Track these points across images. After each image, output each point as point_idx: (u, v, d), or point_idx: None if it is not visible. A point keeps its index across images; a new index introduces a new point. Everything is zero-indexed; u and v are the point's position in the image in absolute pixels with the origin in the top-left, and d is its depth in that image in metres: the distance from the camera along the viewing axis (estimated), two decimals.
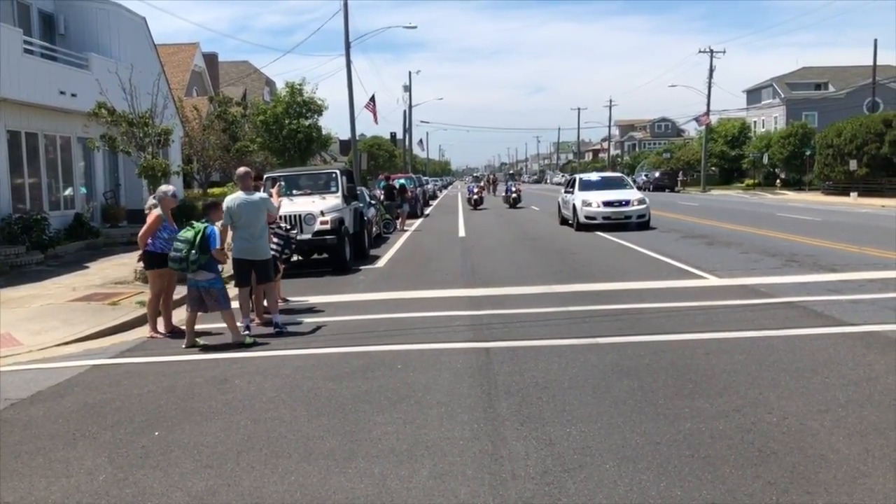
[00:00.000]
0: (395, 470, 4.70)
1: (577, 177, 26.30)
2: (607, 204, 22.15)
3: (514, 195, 38.96)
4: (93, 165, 22.35)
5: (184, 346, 8.63)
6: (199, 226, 8.55)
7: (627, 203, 22.33)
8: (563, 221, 24.96)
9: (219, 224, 8.88)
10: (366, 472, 4.69)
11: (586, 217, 22.15)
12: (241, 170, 9.86)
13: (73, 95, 19.49)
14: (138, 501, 4.41)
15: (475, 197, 39.05)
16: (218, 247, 8.51)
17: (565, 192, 25.53)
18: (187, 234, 8.51)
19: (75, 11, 22.24)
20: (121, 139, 15.02)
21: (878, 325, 8.15)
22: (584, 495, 4.23)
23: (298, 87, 32.42)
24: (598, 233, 21.17)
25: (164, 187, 9.93)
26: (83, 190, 21.98)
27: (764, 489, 4.23)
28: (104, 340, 9.37)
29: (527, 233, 22.99)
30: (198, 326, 9.96)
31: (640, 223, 21.97)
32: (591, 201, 22.34)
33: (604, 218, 21.87)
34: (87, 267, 16.00)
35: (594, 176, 27.22)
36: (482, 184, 49.54)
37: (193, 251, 8.39)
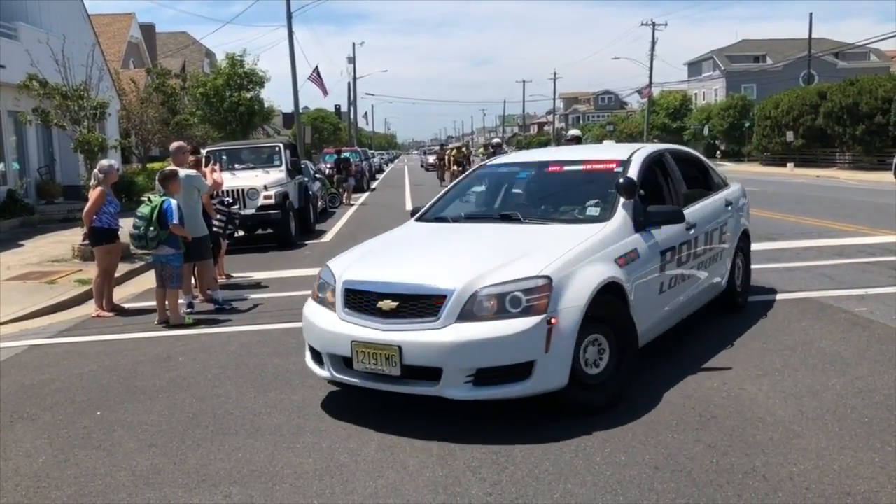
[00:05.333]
0: (343, 443, 4.70)
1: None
2: None
3: None
4: (25, 140, 21.59)
5: (156, 322, 8.45)
6: (156, 200, 8.31)
7: None
8: None
9: (177, 196, 8.58)
10: (314, 446, 4.68)
11: None
12: (174, 145, 9.64)
13: (2, 67, 18.73)
14: (81, 482, 4.33)
15: None
16: (175, 221, 8.26)
17: None
18: (144, 209, 8.25)
19: None
20: (54, 112, 14.51)
21: (813, 292, 8.41)
22: (531, 462, 4.30)
23: (239, 58, 31.71)
24: None
25: (105, 161, 9.70)
26: (15, 166, 21.24)
27: (704, 452, 4.35)
28: (42, 320, 9.13)
29: None
30: (140, 304, 9.79)
31: None
32: None
33: None
34: (21, 245, 15.52)
35: None
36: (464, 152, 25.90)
37: (152, 228, 8.17)
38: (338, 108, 64.95)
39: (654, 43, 61.10)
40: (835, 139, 40.04)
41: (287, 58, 35.29)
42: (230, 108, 30.97)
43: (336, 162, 27.26)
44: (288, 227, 14.75)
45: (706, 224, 6.78)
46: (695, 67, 76.03)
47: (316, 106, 68.57)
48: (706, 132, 58.80)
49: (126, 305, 9.55)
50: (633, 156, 6.44)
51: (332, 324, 5.18)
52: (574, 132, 14.57)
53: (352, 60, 63.47)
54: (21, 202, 19.70)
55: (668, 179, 6.71)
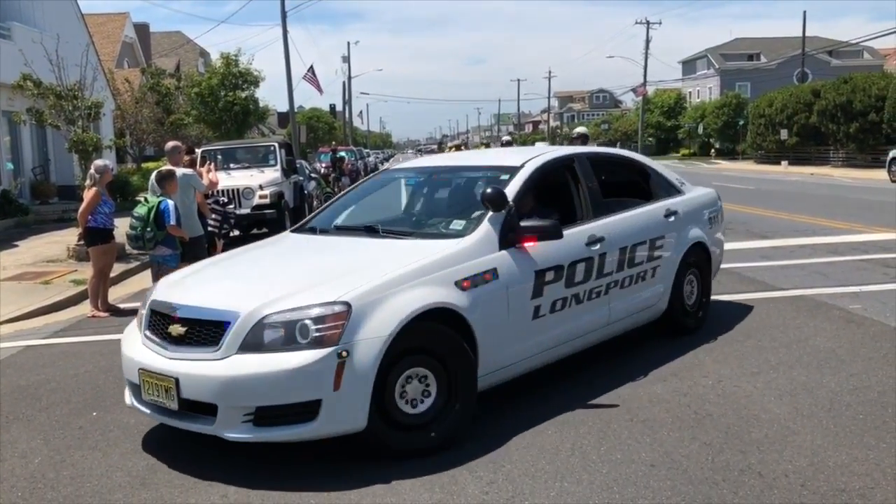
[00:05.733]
0: (339, 442, 4.68)
1: None
2: None
3: None
4: (19, 140, 21.54)
5: None
6: (153, 200, 8.30)
7: None
8: None
9: (174, 196, 8.56)
10: (310, 445, 4.66)
11: None
12: (170, 144, 9.63)
13: None
14: (76, 483, 4.33)
15: None
16: (173, 222, 8.24)
17: None
18: (141, 210, 8.23)
19: None
20: (49, 112, 14.50)
21: (807, 290, 8.43)
22: (527, 461, 4.31)
23: (234, 58, 31.68)
24: None
25: (100, 161, 9.69)
26: (9, 166, 21.17)
27: (700, 450, 4.37)
28: (37, 321, 9.11)
29: None
30: (136, 304, 9.77)
31: None
32: None
33: None
34: (16, 245, 15.48)
35: None
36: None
37: (149, 228, 8.15)
38: (332, 107, 64.85)
39: (648, 41, 61.38)
40: (829, 137, 40.15)
41: (282, 57, 35.13)
42: (225, 107, 30.90)
43: (332, 161, 27.42)
44: (283, 226, 14.71)
45: (626, 238, 5.97)
46: (689, 66, 76.10)
47: (311, 105, 68.54)
48: (700, 130, 58.91)
49: (121, 305, 9.53)
50: (526, 163, 5.75)
51: (133, 347, 4.79)
52: (580, 130, 13.75)
53: (346, 59, 63.41)
54: (15, 202, 19.65)
55: (578, 188, 5.95)
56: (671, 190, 6.98)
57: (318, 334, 4.13)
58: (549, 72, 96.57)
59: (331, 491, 4.08)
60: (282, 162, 15.80)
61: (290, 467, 4.39)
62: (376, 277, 4.44)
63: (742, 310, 7.67)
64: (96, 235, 9.24)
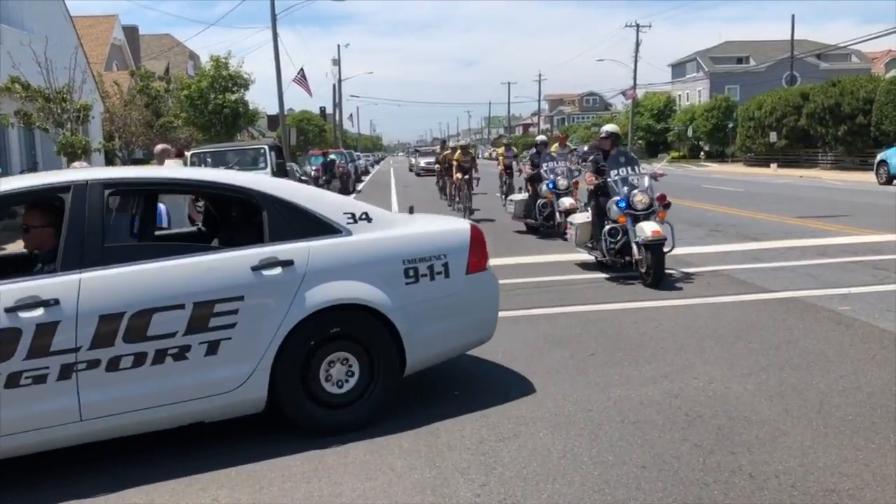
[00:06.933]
0: (331, 445, 4.69)
1: None
2: None
3: None
4: (7, 143, 21.41)
5: None
6: None
7: None
8: None
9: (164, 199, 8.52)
10: (302, 448, 4.65)
11: None
12: (159, 147, 9.63)
13: None
14: (66, 486, 4.30)
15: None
16: (165, 225, 8.22)
17: None
18: None
19: None
20: (37, 115, 14.47)
21: (796, 291, 8.47)
22: (519, 463, 4.31)
23: (224, 60, 31.67)
24: None
25: (77, 164, 9.65)
26: None
27: (691, 451, 4.38)
28: None
29: None
30: None
31: None
32: None
33: None
34: (3, 249, 15.36)
35: None
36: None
37: None
38: (323, 109, 64.77)
39: (638, 44, 61.55)
40: (817, 140, 40.38)
41: (272, 59, 35.14)
42: (215, 110, 30.89)
43: (323, 165, 27.60)
44: None
45: (124, 300, 4.24)
46: (679, 69, 76.46)
47: (301, 108, 68.49)
48: (690, 133, 59.12)
49: None
50: None
51: None
52: (609, 128, 11.05)
53: (337, 62, 63.39)
54: None
55: (63, 229, 4.36)
56: (323, 228, 4.82)
57: None
58: (540, 75, 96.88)
59: (322, 493, 4.07)
60: (272, 165, 15.80)
61: (280, 470, 4.37)
62: None
63: (732, 311, 7.69)
64: None
